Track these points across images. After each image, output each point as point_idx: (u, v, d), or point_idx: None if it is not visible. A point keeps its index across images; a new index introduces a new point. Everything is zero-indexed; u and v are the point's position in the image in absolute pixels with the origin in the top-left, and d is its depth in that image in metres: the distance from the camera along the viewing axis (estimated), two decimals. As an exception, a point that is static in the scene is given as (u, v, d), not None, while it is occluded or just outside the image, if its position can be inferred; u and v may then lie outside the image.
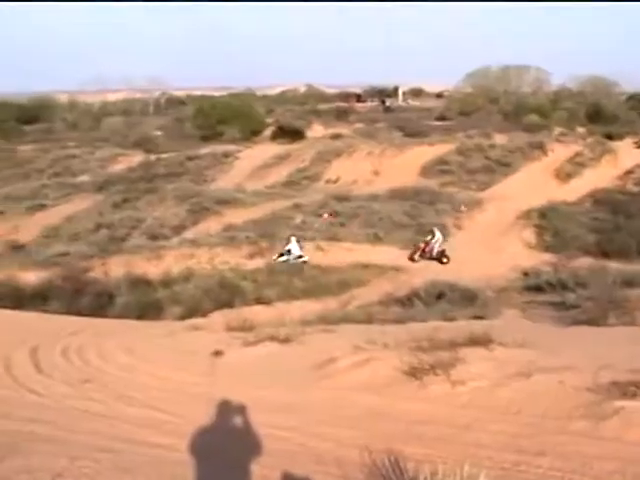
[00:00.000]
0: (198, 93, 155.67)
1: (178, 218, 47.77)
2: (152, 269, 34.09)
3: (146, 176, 66.17)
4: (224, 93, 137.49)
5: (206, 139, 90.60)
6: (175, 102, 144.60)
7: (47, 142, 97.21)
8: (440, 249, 36.72)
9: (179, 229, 45.99)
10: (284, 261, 34.86)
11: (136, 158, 77.72)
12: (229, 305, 27.32)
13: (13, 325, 19.69)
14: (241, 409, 9.37)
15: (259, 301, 28.43)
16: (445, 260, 36.20)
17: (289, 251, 35.15)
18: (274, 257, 35.40)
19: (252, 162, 71.87)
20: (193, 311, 26.69)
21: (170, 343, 15.71)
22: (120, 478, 7.01)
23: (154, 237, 43.34)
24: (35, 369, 13.39)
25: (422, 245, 36.86)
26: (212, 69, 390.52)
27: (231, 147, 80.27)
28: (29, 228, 49.45)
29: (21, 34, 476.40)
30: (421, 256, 36.49)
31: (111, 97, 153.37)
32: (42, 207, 54.76)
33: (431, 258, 36.41)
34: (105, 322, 22.34)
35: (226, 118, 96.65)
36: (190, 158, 75.35)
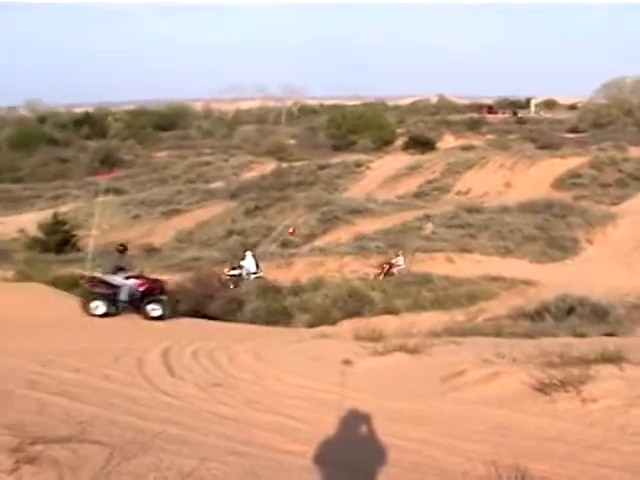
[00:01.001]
0: (331, 102, 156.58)
1: (309, 226, 48.16)
2: (282, 276, 34.42)
3: (278, 184, 66.88)
4: (356, 103, 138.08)
5: (338, 148, 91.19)
6: (308, 111, 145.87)
7: (183, 149, 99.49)
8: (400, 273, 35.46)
9: (310, 237, 46.36)
10: (235, 275, 33.66)
11: (269, 166, 78.64)
12: (357, 314, 27.35)
13: (147, 327, 20.15)
14: (369, 418, 9.37)
15: (387, 311, 28.36)
16: None
17: (240, 266, 34.08)
18: (225, 270, 34.18)
19: (383, 172, 71.94)
20: (321, 319, 26.82)
21: (299, 350, 15.81)
22: (247, 481, 7.10)
23: (284, 245, 43.78)
24: (167, 370, 13.64)
25: (386, 266, 35.86)
26: (345, 79, 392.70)
27: (363, 157, 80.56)
28: (163, 232, 50.58)
29: (161, 45, 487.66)
30: (386, 275, 35.27)
31: (245, 105, 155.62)
32: (176, 212, 55.97)
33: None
34: (235, 327, 22.66)
35: (358, 128, 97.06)
36: (322, 167, 75.88)
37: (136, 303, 23.35)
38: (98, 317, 22.74)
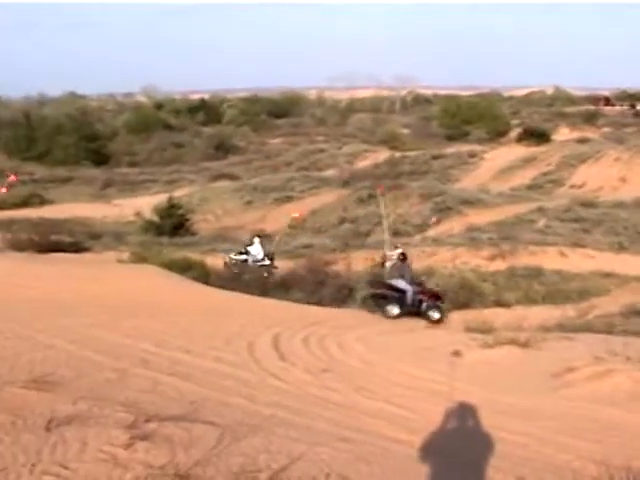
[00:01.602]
0: (444, 92, 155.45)
1: (421, 216, 47.96)
2: (393, 265, 34.38)
3: (391, 173, 66.65)
4: (470, 93, 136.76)
5: (451, 138, 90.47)
6: (422, 101, 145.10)
7: (296, 136, 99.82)
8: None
9: (422, 227, 46.18)
10: (241, 261, 32.20)
11: (382, 155, 78.43)
12: (467, 306, 27.13)
13: (258, 312, 20.36)
14: (477, 411, 9.33)
15: (498, 303, 28.08)
16: None
17: (247, 252, 32.70)
18: (232, 254, 32.90)
19: (497, 163, 71.15)
20: (432, 310, 26.75)
21: (409, 340, 15.84)
22: (356, 467, 7.13)
23: (397, 234, 43.66)
24: (277, 355, 13.78)
25: (381, 258, 35.03)
26: (460, 69, 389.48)
27: (476, 147, 79.74)
28: (276, 219, 50.88)
29: (275, 34, 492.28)
30: (382, 267, 34.43)
31: (359, 94, 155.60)
32: (289, 199, 56.22)
33: None
34: (345, 314, 22.74)
35: (472, 118, 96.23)
36: (435, 157, 75.40)
37: (416, 307, 24.23)
38: (392, 318, 23.60)
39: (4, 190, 58.29)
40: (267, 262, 32.50)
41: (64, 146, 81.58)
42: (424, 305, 24.21)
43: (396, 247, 33.58)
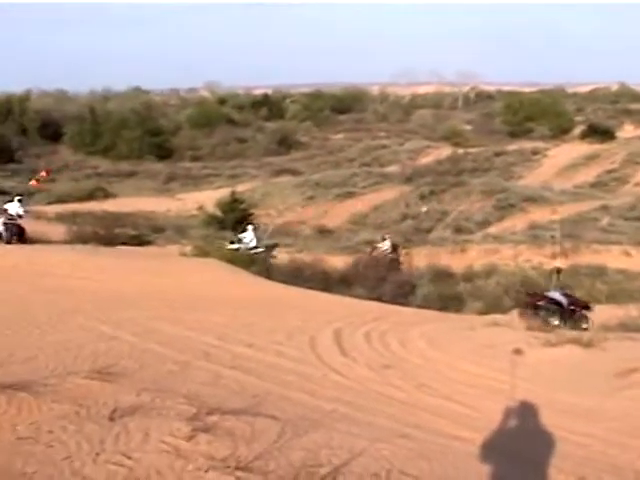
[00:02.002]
0: (507, 89, 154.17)
1: (483, 213, 47.76)
2: (455, 262, 34.28)
3: (453, 170, 66.49)
4: (534, 89, 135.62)
5: (514, 135, 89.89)
6: (484, 97, 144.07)
7: (358, 132, 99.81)
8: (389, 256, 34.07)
9: (484, 224, 45.96)
10: (234, 249, 32.03)
11: (444, 151, 78.23)
12: (529, 304, 26.98)
13: (320, 307, 20.41)
14: (539, 410, 9.26)
15: (560, 302, 27.89)
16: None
17: (240, 240, 33.04)
18: (226, 243, 33.03)
19: (560, 161, 70.56)
20: (493, 307, 26.58)
21: (470, 337, 15.75)
22: (416, 464, 7.11)
23: (458, 230, 43.51)
24: (339, 350, 13.80)
25: (370, 249, 34.59)
26: (523, 64, 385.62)
27: (539, 144, 79.12)
28: (337, 214, 51.01)
29: (335, 29, 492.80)
30: None
31: (421, 90, 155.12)
32: (351, 195, 56.29)
33: None
34: (407, 311, 22.68)
35: (535, 115, 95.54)
36: (497, 154, 75.00)
37: (566, 316, 24.45)
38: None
39: (34, 183, 59.64)
40: (260, 249, 33.00)
41: (128, 140, 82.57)
42: (576, 315, 24.26)
43: (384, 239, 33.48)
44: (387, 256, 33.30)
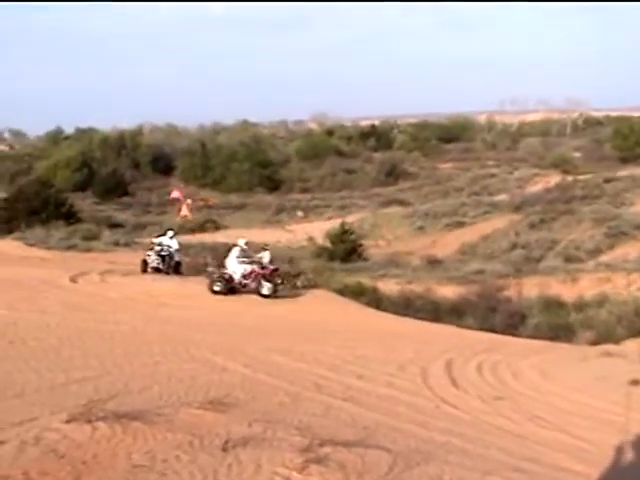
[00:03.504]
0: (616, 114, 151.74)
1: (594, 241, 46.89)
2: (566, 291, 33.66)
3: (563, 197, 65.55)
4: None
5: (625, 161, 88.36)
6: (593, 123, 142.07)
7: (466, 161, 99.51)
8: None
9: (595, 252, 45.10)
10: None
11: (553, 179, 77.27)
12: (645, 334, 26.35)
13: (431, 337, 20.33)
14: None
15: (678, 332, 27.16)
16: None
17: (160, 243, 31.48)
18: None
19: (674, 186, 68.93)
20: (605, 337, 25.99)
21: (583, 368, 15.48)
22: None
23: (569, 259, 42.80)
24: (450, 382, 13.71)
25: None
26: (632, 89, 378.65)
27: (652, 169, 77.57)
28: (446, 244, 50.78)
29: (440, 58, 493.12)
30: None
31: (529, 118, 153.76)
32: (460, 224, 56.07)
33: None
34: (517, 341, 22.42)
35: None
36: (608, 180, 73.63)
37: None
38: None
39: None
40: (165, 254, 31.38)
41: (238, 173, 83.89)
42: None
43: (264, 249, 31.41)
44: (265, 269, 31.29)
